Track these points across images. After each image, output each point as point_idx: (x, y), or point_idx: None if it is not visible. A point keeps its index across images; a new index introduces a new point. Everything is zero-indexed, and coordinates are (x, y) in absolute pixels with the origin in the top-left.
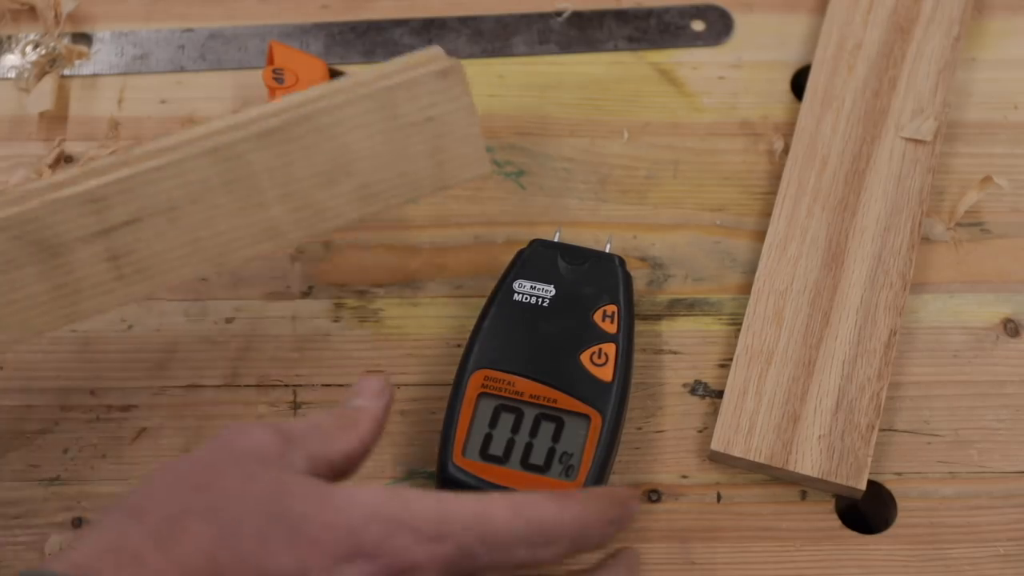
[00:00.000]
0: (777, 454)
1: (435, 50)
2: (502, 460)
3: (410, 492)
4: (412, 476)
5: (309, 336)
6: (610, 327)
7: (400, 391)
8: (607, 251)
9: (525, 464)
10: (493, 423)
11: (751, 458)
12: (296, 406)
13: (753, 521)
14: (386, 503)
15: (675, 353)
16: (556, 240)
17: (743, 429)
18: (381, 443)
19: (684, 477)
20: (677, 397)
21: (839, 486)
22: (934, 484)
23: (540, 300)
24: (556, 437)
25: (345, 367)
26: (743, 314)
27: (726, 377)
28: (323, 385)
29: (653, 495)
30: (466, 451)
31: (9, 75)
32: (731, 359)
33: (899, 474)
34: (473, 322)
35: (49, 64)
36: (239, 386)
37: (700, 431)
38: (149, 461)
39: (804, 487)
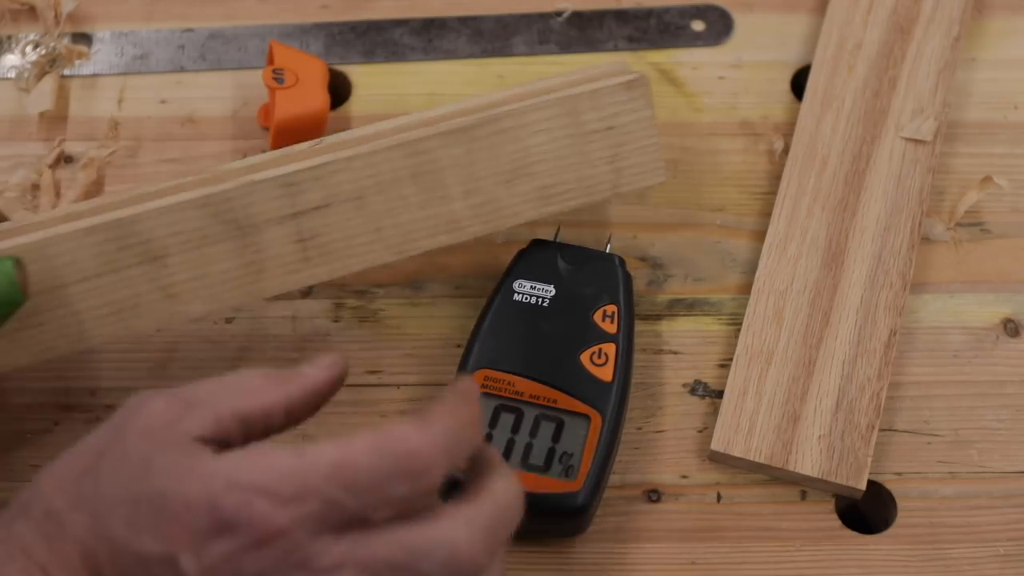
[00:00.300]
0: (777, 454)
1: (621, 62)
2: None
3: (268, 452)
4: None
5: (309, 336)
6: (610, 327)
7: (400, 391)
8: (607, 251)
9: (525, 464)
10: (493, 423)
11: (751, 458)
12: None
13: (753, 521)
14: (244, 468)
15: (675, 353)
16: (556, 240)
17: (743, 429)
18: None
19: (684, 477)
20: (677, 397)
21: (839, 486)
22: (934, 484)
23: (540, 300)
24: (556, 437)
25: None
26: (743, 314)
27: (726, 377)
28: None
29: (653, 495)
30: None
31: (9, 75)
32: (731, 359)
33: (899, 474)
34: (473, 322)
35: (49, 64)
36: None
37: (700, 431)
38: None
39: (804, 487)
